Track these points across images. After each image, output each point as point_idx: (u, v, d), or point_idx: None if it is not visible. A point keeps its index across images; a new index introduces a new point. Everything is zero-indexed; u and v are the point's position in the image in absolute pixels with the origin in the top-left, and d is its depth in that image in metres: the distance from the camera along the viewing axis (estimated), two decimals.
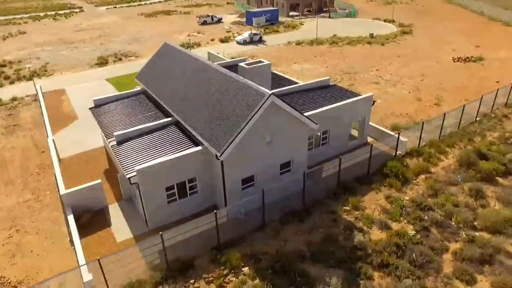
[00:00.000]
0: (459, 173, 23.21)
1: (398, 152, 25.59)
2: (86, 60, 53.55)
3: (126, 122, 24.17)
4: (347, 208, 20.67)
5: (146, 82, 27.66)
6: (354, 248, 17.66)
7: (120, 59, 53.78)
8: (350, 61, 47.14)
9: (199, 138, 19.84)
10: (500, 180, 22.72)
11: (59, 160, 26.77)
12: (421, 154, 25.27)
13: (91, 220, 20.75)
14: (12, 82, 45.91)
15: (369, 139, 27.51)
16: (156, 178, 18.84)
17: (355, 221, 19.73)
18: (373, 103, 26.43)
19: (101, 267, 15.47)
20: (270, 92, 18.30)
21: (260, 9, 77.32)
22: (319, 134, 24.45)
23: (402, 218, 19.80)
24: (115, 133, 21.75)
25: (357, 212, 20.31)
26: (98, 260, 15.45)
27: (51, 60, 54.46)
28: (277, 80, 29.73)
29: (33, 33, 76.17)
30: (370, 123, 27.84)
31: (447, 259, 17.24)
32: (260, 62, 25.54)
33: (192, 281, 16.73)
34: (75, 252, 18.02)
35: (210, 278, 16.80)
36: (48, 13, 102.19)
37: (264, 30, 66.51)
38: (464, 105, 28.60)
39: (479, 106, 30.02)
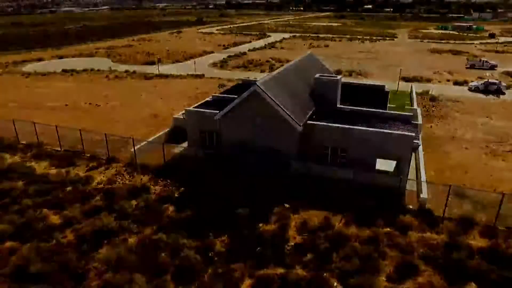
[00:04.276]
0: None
1: (410, 206, 22.42)
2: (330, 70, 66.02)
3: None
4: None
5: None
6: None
7: (350, 75, 62.57)
8: None
9: None
10: None
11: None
12: (422, 215, 21.15)
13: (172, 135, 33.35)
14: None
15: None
16: (194, 121, 28.81)
17: None
18: (417, 147, 23.62)
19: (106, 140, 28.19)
20: (257, 84, 24.25)
21: None
22: (337, 149, 25.41)
23: None
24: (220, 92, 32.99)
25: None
26: (105, 134, 28.27)
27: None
28: (375, 101, 31.34)
29: (345, 47, 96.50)
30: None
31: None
32: (333, 76, 28.90)
33: (135, 173, 26.44)
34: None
35: (142, 177, 25.76)
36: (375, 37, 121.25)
37: None
38: None
39: None
